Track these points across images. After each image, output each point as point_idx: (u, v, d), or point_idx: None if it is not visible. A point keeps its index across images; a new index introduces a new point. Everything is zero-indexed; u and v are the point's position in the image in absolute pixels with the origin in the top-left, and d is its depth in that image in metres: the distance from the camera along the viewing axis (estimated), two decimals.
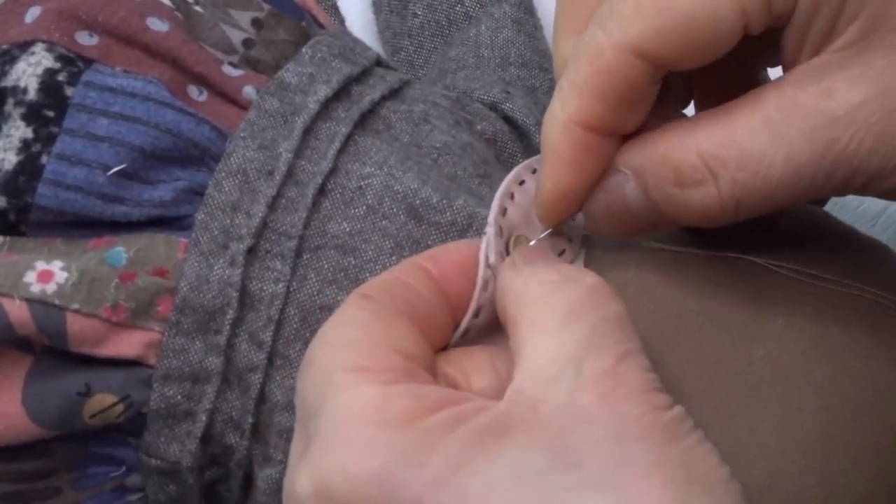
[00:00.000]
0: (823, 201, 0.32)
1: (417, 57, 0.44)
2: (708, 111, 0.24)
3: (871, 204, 0.44)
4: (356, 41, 0.36)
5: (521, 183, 0.28)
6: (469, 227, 0.30)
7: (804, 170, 0.22)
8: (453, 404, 0.21)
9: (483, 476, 0.19)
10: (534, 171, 0.29)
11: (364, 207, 0.30)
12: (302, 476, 0.21)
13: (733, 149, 0.22)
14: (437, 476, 0.20)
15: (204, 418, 0.28)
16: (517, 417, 0.21)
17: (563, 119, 0.24)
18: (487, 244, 0.26)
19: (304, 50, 0.33)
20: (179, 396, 0.28)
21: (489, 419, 0.21)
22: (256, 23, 0.34)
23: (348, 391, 0.21)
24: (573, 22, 0.25)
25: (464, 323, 0.26)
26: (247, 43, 0.34)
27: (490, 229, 0.27)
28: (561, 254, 0.29)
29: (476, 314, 0.26)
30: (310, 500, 0.20)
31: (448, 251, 0.26)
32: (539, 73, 0.40)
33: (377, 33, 0.47)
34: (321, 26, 0.37)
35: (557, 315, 0.22)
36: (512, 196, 0.28)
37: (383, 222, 0.30)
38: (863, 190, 0.23)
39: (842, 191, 0.23)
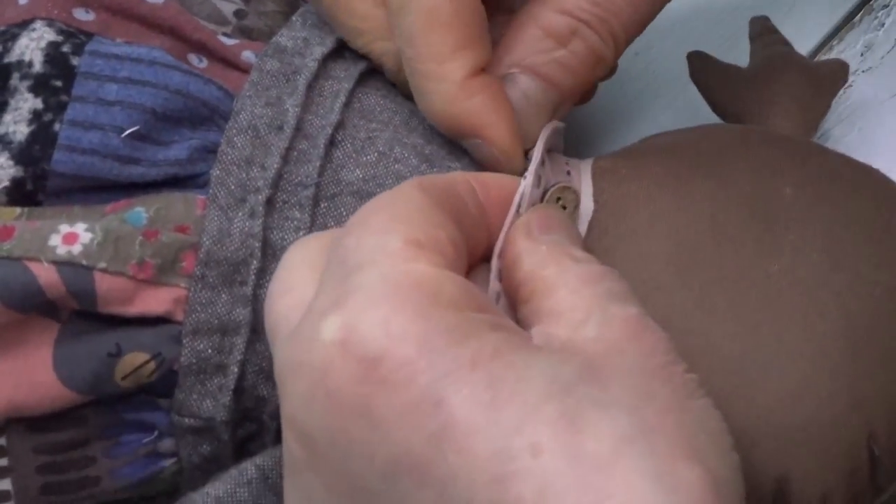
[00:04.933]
0: None
1: None
2: None
3: None
4: None
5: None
6: None
7: None
8: (499, 316, 0.22)
9: (517, 370, 0.20)
10: None
11: (375, 154, 0.30)
12: (332, 321, 0.20)
13: None
14: (474, 357, 0.20)
15: (236, 370, 0.29)
16: (550, 344, 0.22)
17: (458, 82, 0.28)
18: (522, 195, 0.26)
19: (294, 18, 0.34)
20: (210, 350, 0.28)
21: (526, 336, 0.22)
22: None
23: (405, 263, 0.21)
24: None
25: (494, 264, 0.25)
26: (238, 13, 0.34)
27: (529, 178, 0.27)
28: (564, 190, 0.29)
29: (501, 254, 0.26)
30: (332, 347, 0.20)
31: (498, 181, 0.27)
32: None
33: None
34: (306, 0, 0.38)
35: (577, 280, 0.23)
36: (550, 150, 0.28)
37: (396, 166, 0.30)
38: None
39: None
